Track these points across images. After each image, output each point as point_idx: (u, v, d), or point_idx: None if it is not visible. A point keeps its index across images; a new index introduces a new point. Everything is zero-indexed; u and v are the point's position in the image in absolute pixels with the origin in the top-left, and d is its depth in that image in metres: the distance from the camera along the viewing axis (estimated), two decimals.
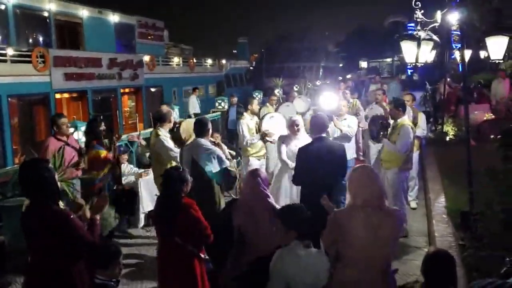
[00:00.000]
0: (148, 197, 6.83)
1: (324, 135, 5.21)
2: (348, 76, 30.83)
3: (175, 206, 3.73)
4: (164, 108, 7.06)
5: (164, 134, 5.91)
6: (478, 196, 5.83)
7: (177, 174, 3.83)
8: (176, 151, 5.66)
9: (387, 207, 3.25)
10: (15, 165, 9.53)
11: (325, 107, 7.63)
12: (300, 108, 9.26)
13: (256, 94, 17.77)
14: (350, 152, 6.99)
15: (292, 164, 5.58)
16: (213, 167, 4.91)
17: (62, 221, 3.01)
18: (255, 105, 7.88)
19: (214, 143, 5.31)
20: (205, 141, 5.09)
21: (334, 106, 7.51)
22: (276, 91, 13.58)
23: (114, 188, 6.37)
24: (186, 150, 5.25)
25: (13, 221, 5.11)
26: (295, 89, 15.31)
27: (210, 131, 5.25)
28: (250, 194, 4.01)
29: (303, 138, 6.01)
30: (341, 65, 46.70)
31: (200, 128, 5.19)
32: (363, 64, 43.66)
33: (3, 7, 12.88)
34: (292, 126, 6.13)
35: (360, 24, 54.53)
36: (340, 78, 27.43)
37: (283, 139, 6.20)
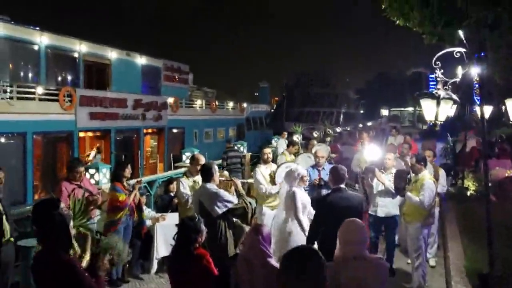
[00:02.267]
0: (163, 242, 6.79)
1: (343, 186, 5.20)
2: (369, 123, 30.85)
3: (188, 257, 3.73)
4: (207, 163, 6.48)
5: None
6: (498, 256, 5.65)
7: (192, 224, 3.86)
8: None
9: (370, 257, 3.40)
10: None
11: (368, 158, 7.55)
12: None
13: (276, 139, 17.86)
14: (395, 209, 6.79)
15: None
16: (220, 210, 4.96)
17: (70, 271, 3.00)
18: (266, 156, 7.67)
19: (227, 180, 5.40)
20: (210, 185, 5.13)
21: (378, 158, 7.40)
22: (294, 137, 13.59)
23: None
24: (195, 195, 5.33)
25: (29, 261, 5.15)
26: (315, 135, 15.32)
27: (216, 174, 5.28)
28: (249, 249, 3.98)
29: (303, 190, 6.08)
30: (362, 111, 46.86)
31: (205, 173, 5.25)
32: (384, 112, 43.75)
33: (36, 47, 13.50)
34: (302, 177, 6.08)
35: (382, 72, 55.06)
36: (361, 125, 27.45)
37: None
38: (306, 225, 5.62)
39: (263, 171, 7.50)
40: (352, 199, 5.06)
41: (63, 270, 3.00)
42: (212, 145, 21.25)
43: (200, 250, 3.84)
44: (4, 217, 5.37)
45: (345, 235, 3.42)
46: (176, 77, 21.44)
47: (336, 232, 4.19)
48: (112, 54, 16.67)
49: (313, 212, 6.04)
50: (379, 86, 50.70)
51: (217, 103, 24.44)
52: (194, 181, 6.16)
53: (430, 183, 6.12)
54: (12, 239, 5.50)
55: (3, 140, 11.51)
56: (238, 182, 5.58)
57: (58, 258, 3.03)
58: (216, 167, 5.36)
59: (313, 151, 9.48)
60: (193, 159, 6.37)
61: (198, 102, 22.67)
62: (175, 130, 19.68)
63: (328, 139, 15.80)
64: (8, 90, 11.69)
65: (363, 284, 3.22)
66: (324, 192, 7.11)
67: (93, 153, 14.79)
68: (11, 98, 11.59)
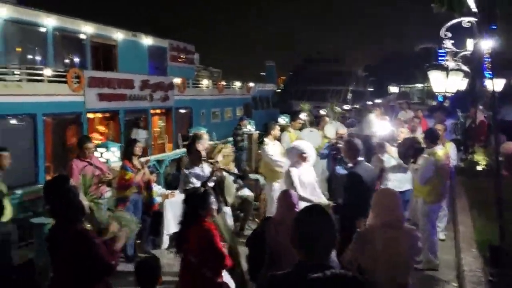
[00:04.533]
0: (173, 218, 6.88)
1: (361, 158, 5.20)
2: (378, 100, 30.60)
3: (194, 230, 3.79)
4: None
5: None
6: (508, 229, 5.64)
7: (196, 195, 3.92)
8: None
9: (405, 226, 3.55)
10: None
11: (378, 133, 7.51)
12: (331, 133, 9.12)
13: (283, 117, 17.82)
14: (407, 184, 6.74)
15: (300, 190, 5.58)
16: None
17: (84, 240, 3.07)
18: (276, 131, 7.84)
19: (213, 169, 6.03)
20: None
21: (389, 132, 7.36)
22: (301, 115, 13.52)
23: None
24: None
25: (43, 238, 5.25)
26: (323, 112, 15.21)
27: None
28: (286, 213, 4.01)
29: (307, 167, 5.99)
30: (370, 89, 46.42)
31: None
32: (393, 89, 43.34)
33: (43, 29, 13.49)
34: (301, 155, 6.01)
35: (391, 49, 54.39)
36: (370, 102, 27.22)
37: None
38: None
39: (271, 147, 7.52)
40: (371, 171, 5.24)
41: (78, 240, 3.06)
42: (220, 125, 21.26)
43: (206, 223, 3.88)
44: (6, 197, 5.44)
45: (382, 203, 3.49)
46: (182, 57, 21.34)
47: (359, 203, 4.30)
48: (118, 35, 16.60)
49: (319, 191, 6.05)
50: (388, 63, 50.16)
51: (223, 83, 24.36)
52: None
53: (428, 160, 6.05)
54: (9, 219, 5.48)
55: (14, 121, 11.61)
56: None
57: (72, 228, 3.10)
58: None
59: (327, 128, 9.38)
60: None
61: (205, 82, 22.60)
62: (182, 111, 19.68)
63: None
64: (17, 72, 11.72)
65: (398, 252, 3.32)
66: (339, 167, 7.14)
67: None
68: (20, 80, 11.63)
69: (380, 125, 7.78)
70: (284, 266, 3.75)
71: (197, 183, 6.04)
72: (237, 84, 26.35)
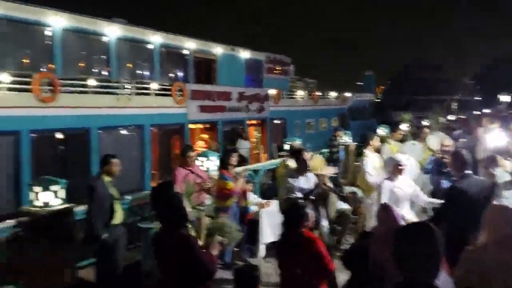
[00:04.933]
0: (269, 228, 6.91)
1: (469, 171, 4.84)
2: (486, 110, 28.34)
3: (297, 240, 3.75)
4: None
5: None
6: None
7: (297, 206, 3.88)
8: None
9: None
10: None
11: (490, 145, 6.99)
12: (434, 145, 8.55)
13: (382, 128, 17.19)
14: None
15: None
16: None
17: (188, 246, 3.18)
18: (376, 142, 7.57)
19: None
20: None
21: (504, 144, 6.83)
22: (402, 126, 12.92)
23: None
24: None
25: (149, 241, 5.58)
26: (426, 123, 14.41)
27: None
28: (385, 228, 3.86)
29: (405, 180, 5.68)
30: (478, 98, 43.17)
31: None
32: (504, 98, 39.82)
33: (151, 46, 14.56)
34: (396, 166, 5.73)
35: (501, 55, 50.11)
36: (479, 112, 25.28)
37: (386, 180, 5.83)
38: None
39: (371, 159, 7.26)
40: (481, 184, 4.81)
41: (182, 245, 3.19)
42: (314, 136, 21.14)
43: (310, 234, 3.83)
44: (118, 201, 5.82)
45: (496, 221, 3.26)
46: (278, 69, 21.67)
47: (466, 219, 4.00)
48: (218, 50, 17.37)
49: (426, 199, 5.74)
50: (498, 69, 46.27)
51: (318, 93, 24.23)
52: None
53: None
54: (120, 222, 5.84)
55: (125, 132, 12.62)
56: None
57: (177, 234, 3.23)
58: None
59: (430, 140, 8.84)
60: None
61: (300, 93, 22.67)
62: (277, 121, 19.94)
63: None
64: (128, 87, 12.76)
65: (510, 271, 3.05)
66: (444, 181, 6.71)
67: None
68: (130, 94, 12.63)
69: (491, 137, 7.14)
70: (386, 283, 3.60)
71: (299, 194, 6.05)
72: (333, 94, 26.06)
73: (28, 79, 10.04)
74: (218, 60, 17.43)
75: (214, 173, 8.09)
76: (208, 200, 6.57)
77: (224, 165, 6.80)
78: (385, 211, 4.01)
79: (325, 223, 6.48)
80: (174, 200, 3.30)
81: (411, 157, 7.06)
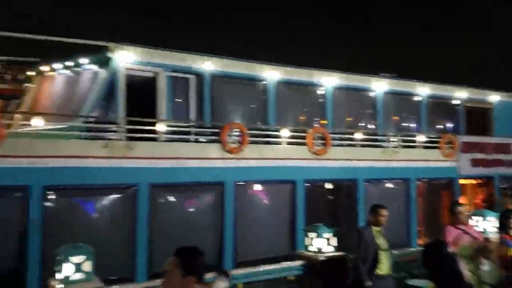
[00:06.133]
0: None
1: None
2: None
3: None
4: None
5: None
6: None
7: None
8: None
9: None
10: (419, 247, 9.95)
11: None
12: None
13: None
14: None
15: None
16: None
17: None
18: None
19: None
20: None
21: None
22: None
23: None
24: None
25: None
26: None
27: None
28: None
29: None
30: None
31: None
32: None
33: (418, 98, 14.34)
34: None
35: None
36: None
37: None
38: None
39: None
40: None
41: None
42: None
43: None
44: (385, 252, 5.71)
45: None
46: None
47: None
48: (495, 98, 15.81)
49: None
50: None
51: None
52: None
53: None
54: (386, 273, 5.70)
55: (390, 185, 12.57)
56: None
57: None
58: None
59: None
60: None
61: None
62: None
63: None
64: (394, 140, 12.77)
65: None
66: None
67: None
68: (396, 147, 12.60)
69: None
70: None
71: None
72: None
73: (303, 134, 11.22)
74: (495, 108, 15.78)
75: (492, 235, 7.18)
76: (486, 266, 5.82)
77: (505, 228, 5.93)
78: None
79: None
80: (446, 260, 3.13)
81: None
